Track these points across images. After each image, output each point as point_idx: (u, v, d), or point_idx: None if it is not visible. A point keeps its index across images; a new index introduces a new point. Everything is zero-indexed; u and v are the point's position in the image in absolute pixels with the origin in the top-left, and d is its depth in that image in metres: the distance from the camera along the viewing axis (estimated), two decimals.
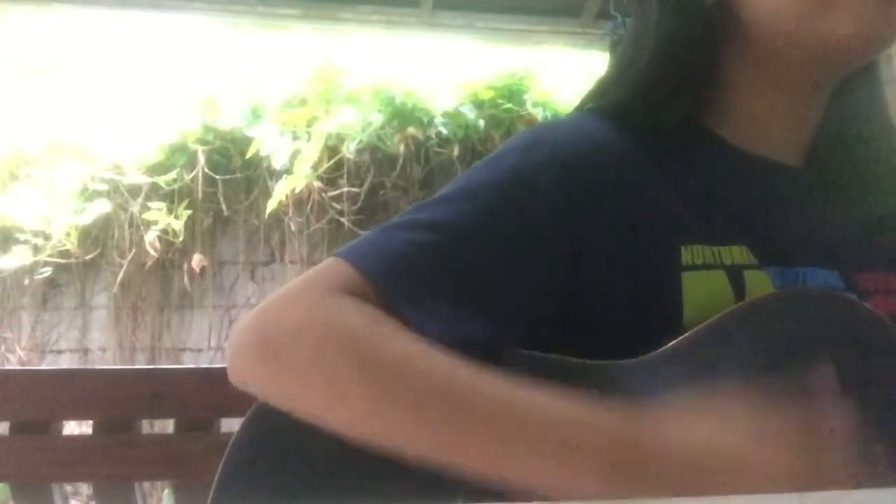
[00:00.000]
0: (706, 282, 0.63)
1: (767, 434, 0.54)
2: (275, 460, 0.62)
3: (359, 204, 3.37)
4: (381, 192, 3.42)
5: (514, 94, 3.44)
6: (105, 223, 3.42)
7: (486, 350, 0.60)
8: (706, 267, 0.64)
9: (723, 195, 0.69)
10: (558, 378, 0.59)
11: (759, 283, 0.64)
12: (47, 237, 3.34)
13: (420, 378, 0.57)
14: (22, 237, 3.34)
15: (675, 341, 0.60)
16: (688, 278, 0.63)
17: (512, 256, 0.63)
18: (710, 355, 0.60)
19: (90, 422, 1.08)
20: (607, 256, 0.64)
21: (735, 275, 0.63)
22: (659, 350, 0.60)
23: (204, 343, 3.46)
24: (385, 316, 0.59)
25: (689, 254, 0.64)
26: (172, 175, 3.38)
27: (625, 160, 0.68)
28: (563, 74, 3.53)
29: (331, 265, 0.63)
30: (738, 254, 0.65)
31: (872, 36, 0.64)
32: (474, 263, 0.63)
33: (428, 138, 3.40)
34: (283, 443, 0.62)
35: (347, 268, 0.62)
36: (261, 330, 0.61)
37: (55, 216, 3.33)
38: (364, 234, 0.66)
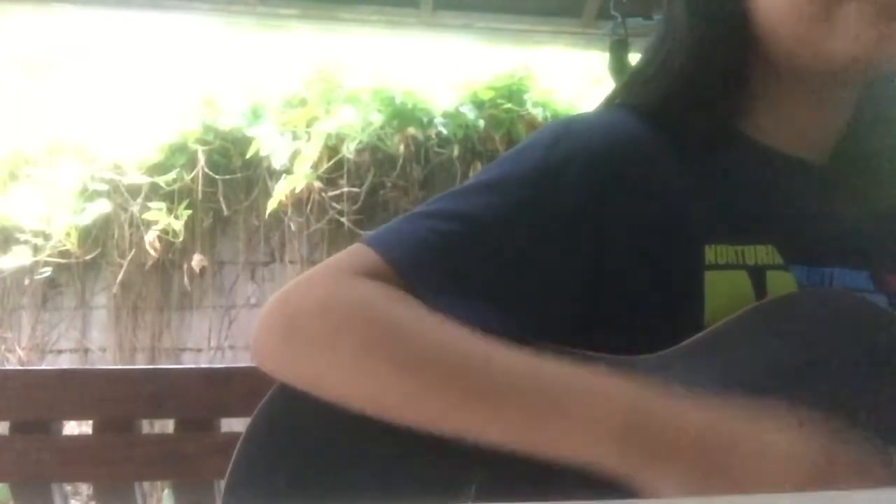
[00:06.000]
0: (728, 282, 0.63)
1: (785, 431, 0.54)
2: (291, 442, 0.62)
3: (359, 204, 3.37)
4: (381, 192, 3.42)
5: (514, 94, 3.44)
6: (105, 223, 3.42)
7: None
8: (729, 267, 0.64)
9: (750, 193, 0.68)
10: None
11: (783, 283, 0.64)
12: (47, 237, 3.35)
13: (443, 351, 0.58)
14: (22, 237, 3.34)
15: (695, 337, 0.61)
16: (710, 278, 0.63)
17: (536, 250, 0.64)
18: (731, 352, 0.60)
19: (90, 422, 1.08)
20: (631, 252, 0.65)
21: (757, 275, 0.63)
22: (678, 345, 0.61)
23: (204, 343, 3.46)
24: (406, 294, 0.60)
25: (712, 253, 0.64)
26: (172, 175, 3.38)
27: (653, 157, 0.68)
28: (563, 74, 3.53)
29: (355, 251, 0.64)
30: (763, 253, 0.65)
31: (871, 58, 0.63)
32: (498, 256, 0.63)
33: (428, 138, 3.40)
34: (300, 426, 0.62)
35: (372, 254, 0.63)
36: (284, 311, 0.61)
37: (55, 216, 3.33)
38: (390, 222, 0.67)
